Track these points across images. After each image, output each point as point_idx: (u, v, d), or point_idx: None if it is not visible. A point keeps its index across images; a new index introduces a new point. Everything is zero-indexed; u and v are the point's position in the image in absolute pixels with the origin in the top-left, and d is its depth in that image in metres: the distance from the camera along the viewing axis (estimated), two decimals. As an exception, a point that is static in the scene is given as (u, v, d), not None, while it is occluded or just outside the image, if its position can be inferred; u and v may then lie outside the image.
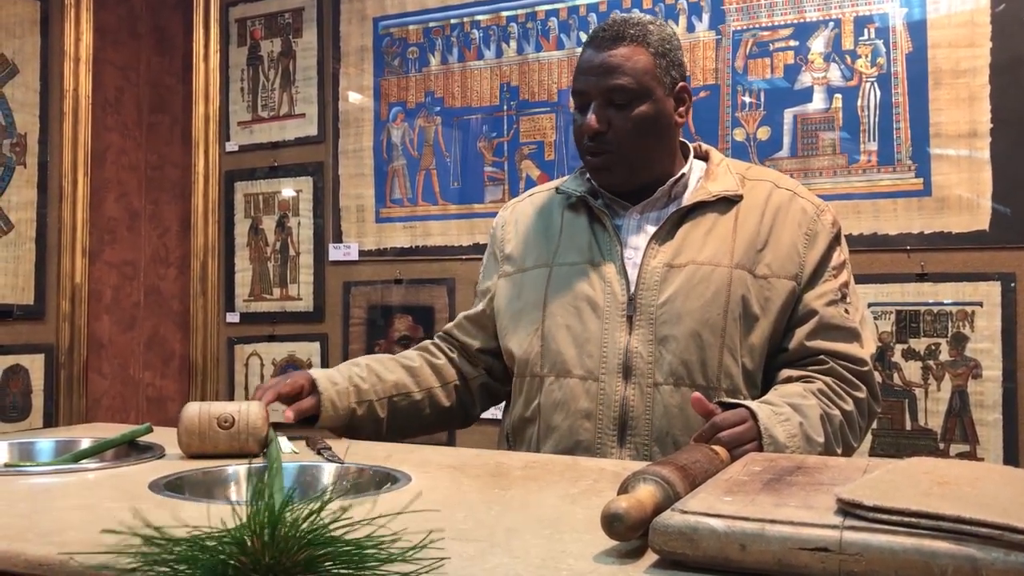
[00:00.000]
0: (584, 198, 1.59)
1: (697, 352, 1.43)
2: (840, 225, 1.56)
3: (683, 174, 1.56)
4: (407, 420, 1.65)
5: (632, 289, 1.49)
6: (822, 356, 1.46)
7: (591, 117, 1.49)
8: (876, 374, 1.51)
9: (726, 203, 1.53)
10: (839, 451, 1.39)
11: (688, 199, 1.53)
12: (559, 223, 1.62)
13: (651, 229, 1.53)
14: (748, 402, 1.30)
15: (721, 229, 1.50)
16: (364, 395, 1.59)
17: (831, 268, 1.50)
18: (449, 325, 1.80)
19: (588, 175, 1.61)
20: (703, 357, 1.43)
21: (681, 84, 1.55)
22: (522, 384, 1.57)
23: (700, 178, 1.57)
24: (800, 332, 1.48)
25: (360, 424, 1.59)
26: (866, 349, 1.49)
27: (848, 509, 0.73)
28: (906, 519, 0.70)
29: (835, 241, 1.53)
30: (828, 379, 1.44)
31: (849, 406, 1.43)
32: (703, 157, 1.62)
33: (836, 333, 1.47)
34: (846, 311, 1.49)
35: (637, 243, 1.53)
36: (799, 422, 1.32)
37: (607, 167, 1.53)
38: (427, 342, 1.78)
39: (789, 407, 1.34)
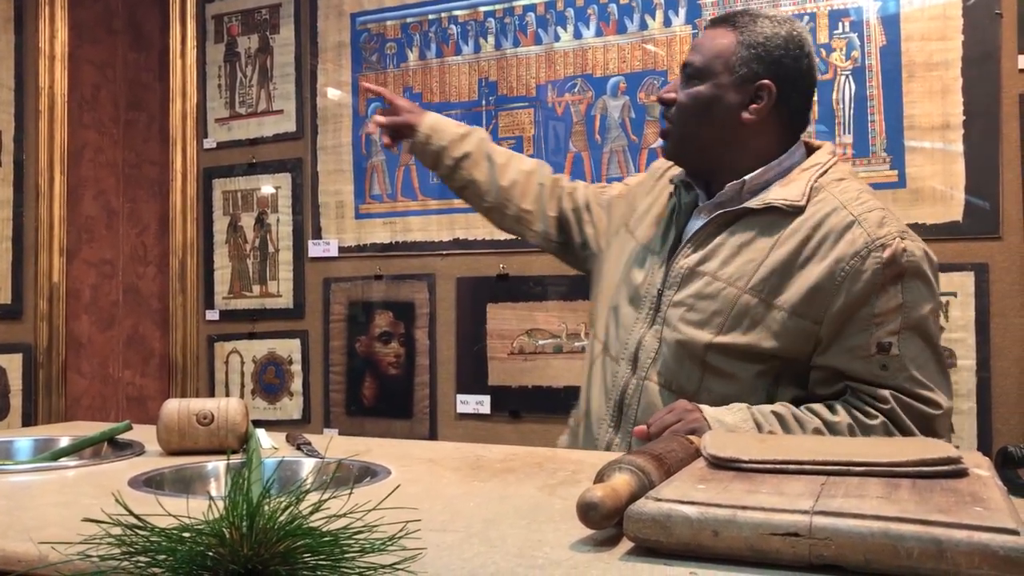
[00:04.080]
0: (679, 188, 1.56)
1: (682, 363, 1.42)
2: (907, 263, 1.34)
3: (744, 180, 1.44)
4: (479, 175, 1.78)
5: (661, 284, 1.49)
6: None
7: (667, 87, 1.53)
8: (918, 419, 1.32)
9: (780, 214, 1.40)
10: None
11: (744, 202, 1.44)
12: (661, 205, 1.61)
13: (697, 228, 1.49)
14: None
15: (758, 245, 1.39)
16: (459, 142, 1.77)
17: (870, 316, 1.33)
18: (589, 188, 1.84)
19: None
20: (685, 369, 1.42)
21: (763, 81, 1.43)
22: (589, 342, 1.66)
23: (776, 185, 1.44)
24: (817, 380, 1.40)
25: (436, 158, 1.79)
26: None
27: (724, 464, 0.90)
28: (767, 466, 0.88)
29: (887, 282, 1.33)
30: (831, 402, 1.36)
31: (836, 418, 1.33)
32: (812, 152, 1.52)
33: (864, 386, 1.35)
34: (883, 367, 1.33)
35: (686, 239, 1.50)
36: (750, 414, 1.33)
37: (665, 137, 1.54)
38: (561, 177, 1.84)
39: (745, 405, 1.36)
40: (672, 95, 1.50)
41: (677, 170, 1.61)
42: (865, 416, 1.32)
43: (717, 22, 1.51)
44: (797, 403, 1.38)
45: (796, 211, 1.39)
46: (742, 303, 1.37)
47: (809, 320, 1.34)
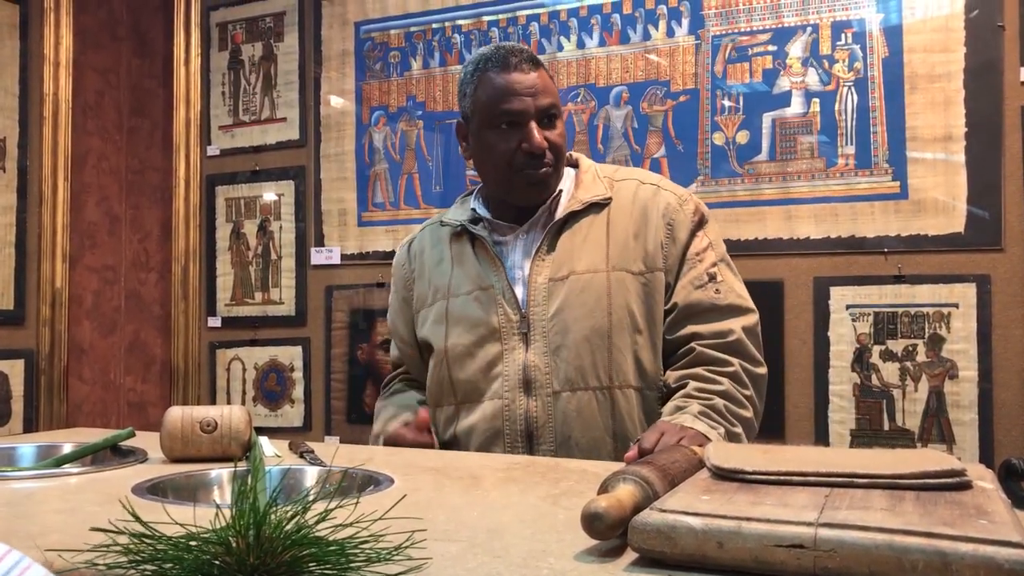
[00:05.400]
0: (465, 227, 1.63)
1: (588, 356, 1.51)
2: (704, 211, 1.61)
3: (560, 191, 1.61)
4: None
5: (524, 308, 1.55)
6: (691, 343, 1.52)
7: (537, 136, 1.54)
8: (753, 336, 1.56)
9: (598, 207, 1.59)
10: (737, 429, 1.45)
11: (560, 211, 1.59)
12: (449, 255, 1.66)
13: (533, 247, 1.58)
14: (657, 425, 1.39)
15: (595, 235, 1.56)
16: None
17: (694, 255, 1.56)
18: (399, 374, 1.83)
19: (473, 206, 1.66)
20: (593, 360, 1.51)
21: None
22: (439, 413, 1.63)
23: (571, 188, 1.62)
24: (669, 323, 1.55)
25: None
26: (737, 321, 1.54)
27: (729, 476, 0.89)
28: (771, 477, 0.88)
29: (696, 228, 1.58)
30: (697, 370, 1.50)
31: (723, 385, 1.48)
32: (574, 165, 1.68)
33: (706, 315, 1.53)
34: (716, 291, 1.55)
35: (523, 262, 1.58)
36: (707, 423, 1.41)
37: (547, 182, 1.58)
38: (400, 387, 1.81)
39: (687, 416, 1.42)
40: (544, 144, 1.55)
41: (423, 239, 1.73)
42: (722, 365, 1.50)
43: (534, 64, 1.58)
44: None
45: (607, 201, 1.59)
46: (614, 279, 1.53)
47: (662, 271, 1.55)
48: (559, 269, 1.55)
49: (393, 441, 1.60)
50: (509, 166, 1.56)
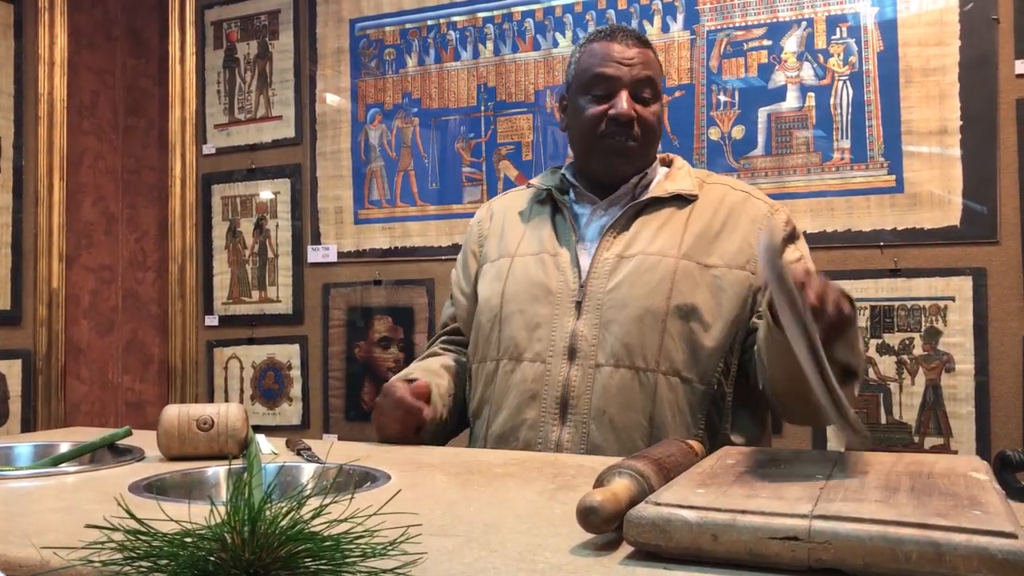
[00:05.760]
0: (551, 192, 1.66)
1: (638, 336, 1.49)
2: (794, 225, 1.62)
3: (646, 173, 1.64)
4: (454, 422, 1.72)
5: (583, 277, 1.55)
6: None
7: (625, 104, 1.57)
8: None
9: (681, 201, 1.60)
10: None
11: (645, 195, 1.61)
12: (527, 217, 1.70)
13: (608, 222, 1.60)
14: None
15: (674, 223, 1.57)
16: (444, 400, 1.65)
17: (789, 263, 1.55)
18: (444, 334, 1.83)
19: (564, 172, 1.69)
20: (643, 340, 1.49)
21: (664, 96, 1.63)
22: (481, 369, 1.63)
23: (661, 179, 1.65)
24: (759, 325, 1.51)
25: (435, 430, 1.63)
26: None
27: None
28: None
29: (789, 239, 1.59)
30: None
31: None
32: (668, 164, 1.71)
33: None
34: None
35: (594, 235, 1.60)
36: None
37: (629, 155, 1.60)
38: (437, 350, 1.81)
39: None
40: (632, 112, 1.58)
41: (507, 200, 1.78)
42: None
43: (639, 42, 1.62)
44: (741, 371, 1.54)
45: (693, 198, 1.60)
46: (681, 267, 1.52)
47: (747, 270, 1.54)
48: (628, 248, 1.56)
49: (384, 393, 1.56)
50: (594, 131, 1.59)
